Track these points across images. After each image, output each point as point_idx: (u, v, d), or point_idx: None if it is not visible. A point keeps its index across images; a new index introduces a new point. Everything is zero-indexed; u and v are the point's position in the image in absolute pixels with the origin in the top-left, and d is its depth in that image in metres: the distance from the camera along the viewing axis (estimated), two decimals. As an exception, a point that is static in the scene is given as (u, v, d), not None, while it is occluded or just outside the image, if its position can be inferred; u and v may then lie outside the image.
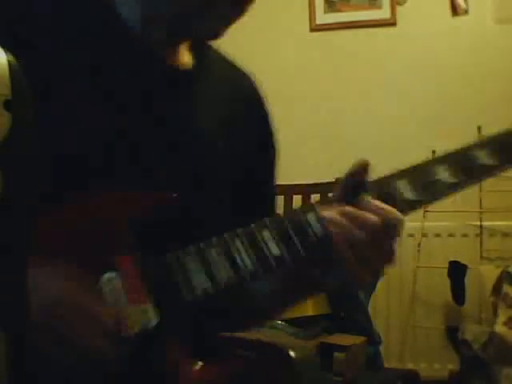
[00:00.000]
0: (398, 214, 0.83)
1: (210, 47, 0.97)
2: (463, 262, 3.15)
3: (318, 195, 2.70)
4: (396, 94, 3.48)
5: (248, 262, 0.80)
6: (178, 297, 0.79)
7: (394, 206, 0.84)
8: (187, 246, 0.80)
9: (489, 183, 3.36)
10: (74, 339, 0.71)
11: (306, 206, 0.84)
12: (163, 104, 0.86)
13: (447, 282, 3.15)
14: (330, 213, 0.83)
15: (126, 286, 0.77)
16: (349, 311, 2.54)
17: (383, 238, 0.82)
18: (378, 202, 0.83)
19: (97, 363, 0.72)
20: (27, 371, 0.64)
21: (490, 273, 3.06)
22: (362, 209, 0.82)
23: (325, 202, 0.85)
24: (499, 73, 3.37)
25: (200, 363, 0.81)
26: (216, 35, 0.87)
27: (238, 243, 0.80)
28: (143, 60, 0.85)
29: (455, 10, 3.44)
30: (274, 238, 0.81)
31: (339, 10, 3.53)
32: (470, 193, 3.29)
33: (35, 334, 0.66)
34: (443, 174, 0.86)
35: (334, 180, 2.76)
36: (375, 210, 0.82)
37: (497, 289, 2.99)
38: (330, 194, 0.86)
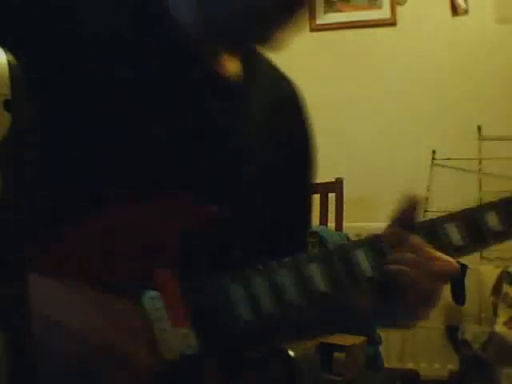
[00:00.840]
0: (453, 263, 0.82)
1: (256, 52, 0.93)
2: (463, 261, 3.14)
3: (318, 195, 2.70)
4: (396, 94, 3.48)
5: (293, 294, 0.78)
6: (219, 323, 0.76)
7: (441, 249, 0.82)
8: (227, 266, 0.78)
9: (489, 184, 3.36)
10: (112, 352, 0.68)
11: (357, 241, 0.82)
12: (211, 115, 0.83)
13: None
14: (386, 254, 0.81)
15: (168, 306, 0.74)
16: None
17: (429, 284, 0.82)
18: (434, 252, 0.81)
19: (134, 380, 0.70)
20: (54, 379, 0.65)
21: (489, 273, 3.06)
22: (413, 252, 0.81)
23: (371, 239, 0.82)
24: (499, 73, 3.37)
25: None
26: (267, 41, 0.84)
27: (284, 274, 0.78)
28: (194, 68, 0.82)
29: (455, 9, 3.44)
30: (321, 273, 0.79)
31: (339, 10, 3.53)
32: (470, 193, 3.30)
33: (73, 344, 0.65)
34: (493, 222, 0.84)
35: (333, 180, 2.77)
36: (429, 258, 0.81)
37: (497, 289, 2.99)
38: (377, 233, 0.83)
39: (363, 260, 0.80)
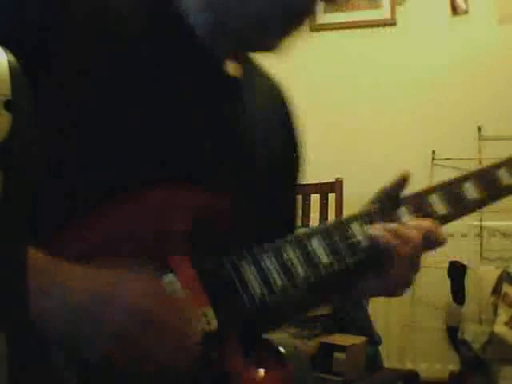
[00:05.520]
0: (441, 230, 0.90)
1: (249, 57, 1.00)
2: (463, 261, 3.15)
3: (318, 195, 2.70)
4: (396, 93, 3.48)
5: (300, 269, 0.84)
6: (236, 300, 0.80)
7: (427, 218, 0.91)
8: (235, 247, 0.82)
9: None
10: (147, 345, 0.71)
11: (351, 215, 0.89)
12: (219, 108, 0.88)
13: (447, 282, 3.15)
14: (376, 227, 0.88)
15: (186, 288, 0.77)
16: (349, 311, 2.55)
17: (420, 253, 0.90)
18: (422, 222, 0.89)
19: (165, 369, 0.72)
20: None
21: (489, 273, 3.06)
22: (403, 224, 0.89)
23: (365, 212, 0.90)
24: (499, 73, 3.37)
25: (260, 368, 0.83)
26: (270, 48, 0.90)
27: (290, 250, 0.84)
28: (205, 67, 0.87)
29: (455, 10, 3.44)
30: (323, 247, 0.86)
31: (339, 10, 3.53)
32: (470, 193, 3.30)
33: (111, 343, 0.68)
34: (470, 191, 0.93)
35: (333, 180, 2.77)
36: (417, 228, 0.89)
37: (497, 289, 2.99)
38: (369, 205, 0.91)
39: (358, 232, 0.88)
